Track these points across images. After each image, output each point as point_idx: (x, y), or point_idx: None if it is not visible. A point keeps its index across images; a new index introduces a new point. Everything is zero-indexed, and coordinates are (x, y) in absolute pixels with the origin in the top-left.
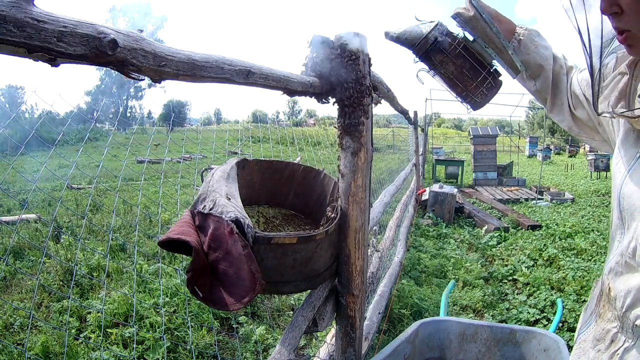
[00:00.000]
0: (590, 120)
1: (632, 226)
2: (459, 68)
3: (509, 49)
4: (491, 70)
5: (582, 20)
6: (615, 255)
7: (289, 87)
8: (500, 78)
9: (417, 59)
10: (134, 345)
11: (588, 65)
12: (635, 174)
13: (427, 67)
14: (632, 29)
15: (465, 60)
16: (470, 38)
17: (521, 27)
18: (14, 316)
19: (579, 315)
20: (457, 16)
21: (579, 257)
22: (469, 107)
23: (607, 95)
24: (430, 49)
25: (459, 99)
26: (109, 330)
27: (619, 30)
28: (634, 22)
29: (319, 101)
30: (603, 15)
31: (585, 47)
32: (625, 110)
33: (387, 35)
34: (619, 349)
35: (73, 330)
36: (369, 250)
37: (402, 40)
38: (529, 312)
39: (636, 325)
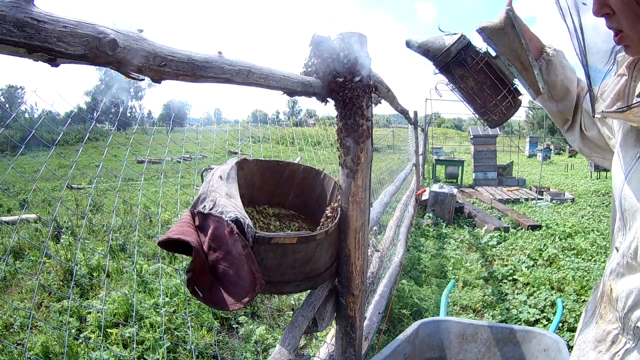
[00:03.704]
0: (601, 138)
1: (633, 226)
2: (479, 84)
3: (535, 68)
4: (512, 88)
5: (577, 20)
6: (617, 256)
7: (289, 87)
8: (520, 97)
9: (436, 71)
10: (134, 345)
11: (583, 65)
12: (636, 174)
13: (446, 80)
14: (623, 29)
15: (486, 76)
16: (493, 54)
17: (550, 47)
18: (14, 316)
19: (579, 315)
20: (482, 30)
21: (579, 257)
22: (485, 124)
23: (605, 97)
24: (452, 62)
25: (476, 115)
26: (109, 330)
27: (614, 30)
28: (624, 23)
29: (321, 102)
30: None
31: (581, 46)
32: (615, 109)
33: (408, 44)
34: (619, 350)
35: (73, 330)
36: (369, 250)
37: (424, 50)
38: (529, 312)
39: (637, 327)
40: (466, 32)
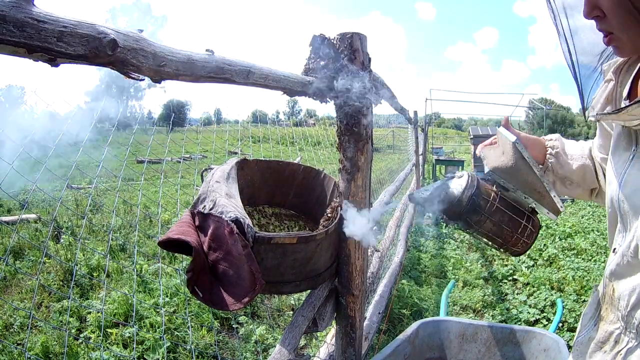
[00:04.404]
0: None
1: (632, 226)
2: (497, 224)
3: (551, 191)
4: (528, 214)
5: (567, 23)
6: (616, 257)
7: (289, 87)
8: (538, 216)
9: (447, 220)
10: (134, 345)
11: (572, 70)
12: (631, 176)
13: (459, 226)
14: (614, 31)
15: (503, 213)
16: (501, 180)
17: (550, 140)
18: (14, 316)
19: (579, 315)
20: (494, 172)
21: (579, 257)
22: (507, 254)
23: (594, 104)
24: (465, 211)
25: (499, 250)
26: (109, 330)
27: (604, 32)
28: (615, 25)
29: (321, 102)
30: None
31: (571, 49)
32: (609, 111)
33: (412, 199)
34: (622, 349)
35: (73, 330)
36: (369, 250)
37: (433, 205)
38: (529, 312)
39: None
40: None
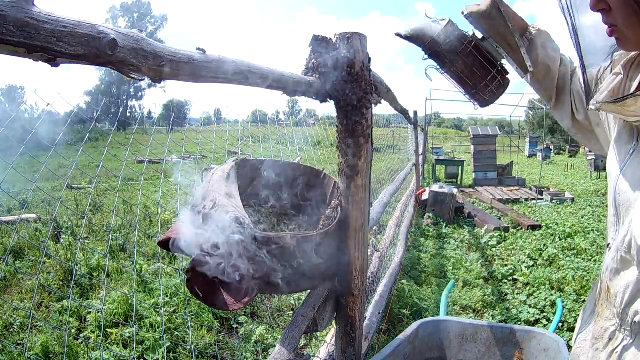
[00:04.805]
0: (589, 124)
1: (626, 221)
2: (469, 67)
3: (522, 48)
4: (500, 68)
5: (576, 18)
6: (611, 252)
7: (289, 87)
8: (508, 76)
9: (426, 57)
10: (134, 345)
11: (580, 60)
12: (629, 169)
13: (436, 65)
14: (618, 24)
15: (475, 58)
16: (481, 36)
17: (534, 27)
18: (14, 316)
19: (579, 315)
20: (470, 15)
21: (579, 257)
22: (476, 104)
23: (598, 94)
24: (442, 48)
25: (467, 96)
26: (109, 330)
27: (609, 25)
28: (619, 18)
29: (321, 102)
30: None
31: (578, 45)
32: (610, 100)
33: (398, 33)
34: (617, 346)
35: (73, 330)
36: (369, 250)
37: (414, 38)
38: (529, 312)
39: (635, 322)
40: (456, 22)
